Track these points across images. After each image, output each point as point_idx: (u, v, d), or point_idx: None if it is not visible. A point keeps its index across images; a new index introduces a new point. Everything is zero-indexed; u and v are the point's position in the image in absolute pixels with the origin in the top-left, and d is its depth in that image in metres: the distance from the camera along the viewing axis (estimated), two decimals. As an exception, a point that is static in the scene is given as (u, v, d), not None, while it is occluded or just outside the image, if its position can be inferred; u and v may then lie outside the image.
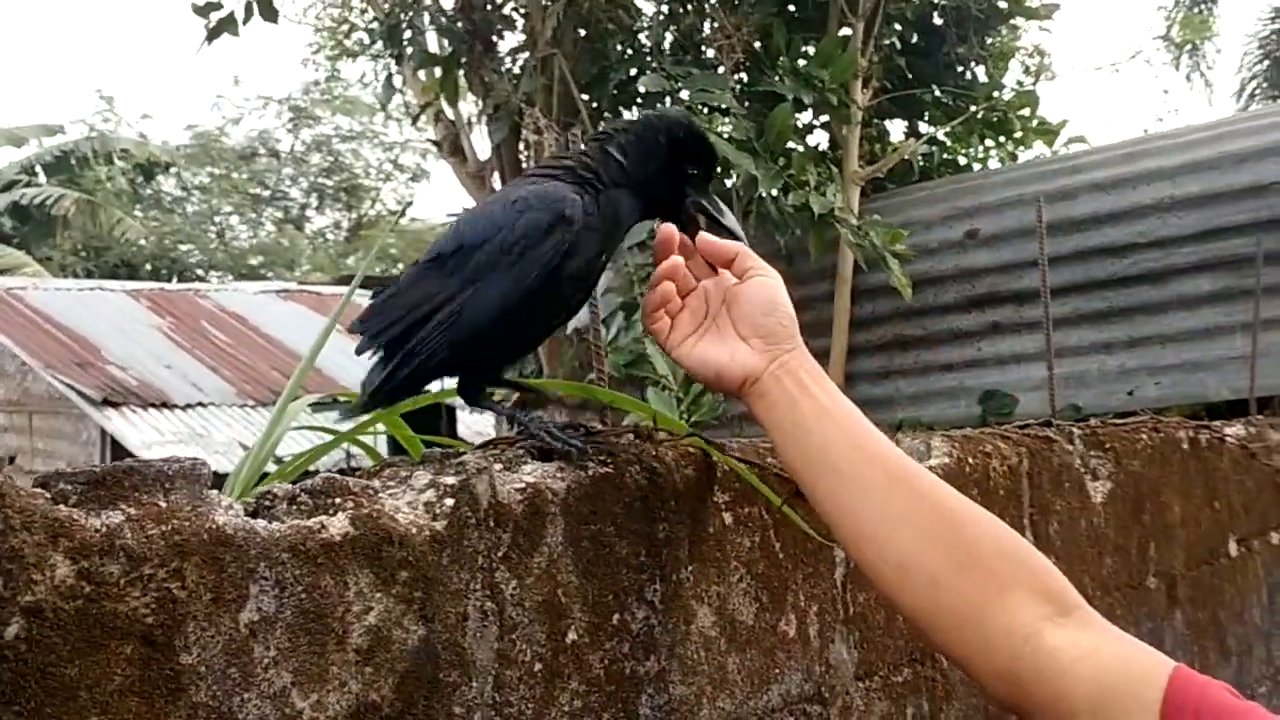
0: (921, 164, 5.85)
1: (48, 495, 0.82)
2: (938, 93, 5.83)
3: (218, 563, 0.87)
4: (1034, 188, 4.92)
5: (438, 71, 5.95)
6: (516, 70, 5.55)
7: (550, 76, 4.87)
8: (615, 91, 5.06)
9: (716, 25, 4.94)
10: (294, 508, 0.97)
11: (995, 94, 5.63)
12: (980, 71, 5.99)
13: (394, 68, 5.90)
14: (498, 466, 1.13)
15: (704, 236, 1.21)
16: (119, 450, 11.17)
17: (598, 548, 1.18)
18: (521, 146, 5.07)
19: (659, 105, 4.75)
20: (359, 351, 1.29)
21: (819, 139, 5.52)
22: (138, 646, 0.81)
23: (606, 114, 5.43)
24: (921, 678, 1.66)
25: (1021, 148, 6.28)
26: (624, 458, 1.24)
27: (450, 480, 1.07)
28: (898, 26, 5.73)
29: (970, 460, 1.84)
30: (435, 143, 6.55)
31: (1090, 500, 2.20)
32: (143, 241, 21.08)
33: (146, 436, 10.96)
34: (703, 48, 5.21)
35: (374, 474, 1.11)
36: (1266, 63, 18.65)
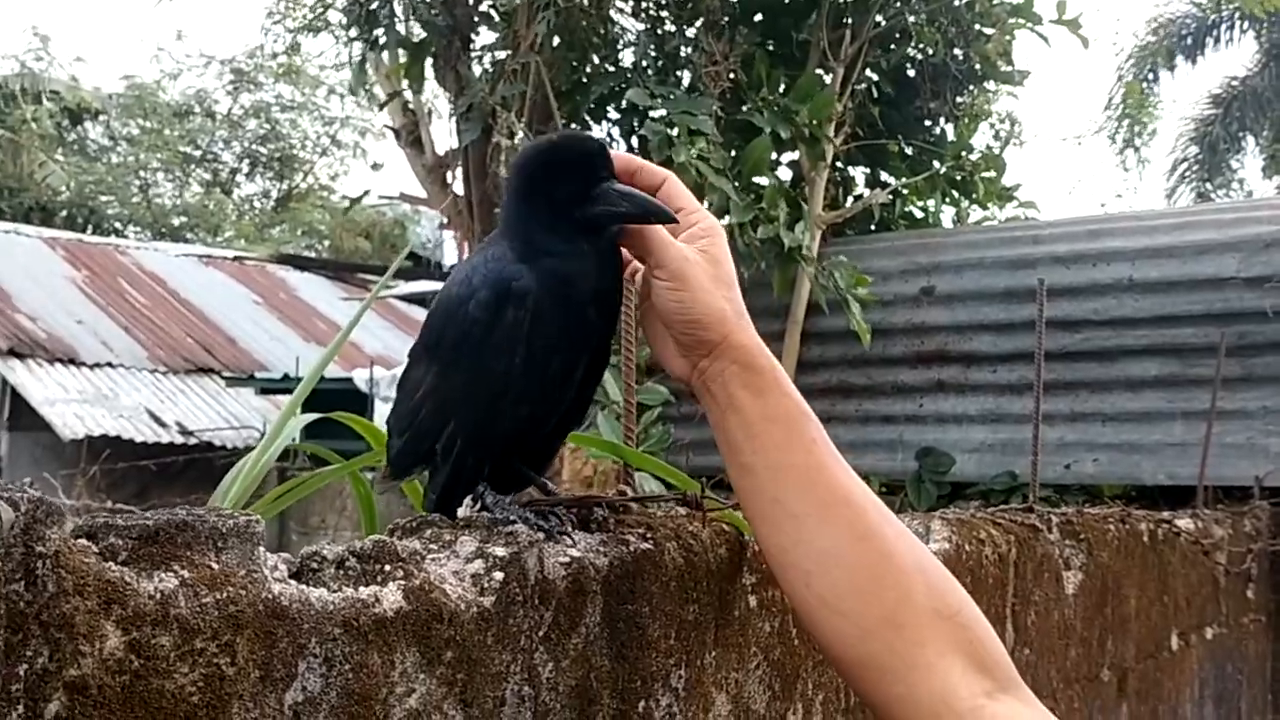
0: (881, 213, 5.88)
1: (95, 549, 0.74)
2: (904, 145, 5.86)
3: (270, 637, 0.79)
4: (995, 252, 4.97)
5: (402, 56, 5.83)
6: (489, 68, 5.46)
7: (527, 81, 4.79)
8: (593, 105, 5.00)
9: (700, 50, 4.91)
10: (342, 572, 0.90)
11: (964, 153, 5.68)
12: (949, 129, 6.05)
13: (367, 52, 5.77)
14: (540, 536, 1.06)
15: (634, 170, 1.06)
16: (18, 402, 10.76)
17: (632, 629, 1.12)
18: (490, 150, 4.98)
19: (636, 121, 4.69)
20: (395, 478, 1.18)
21: (785, 178, 5.51)
22: (181, 729, 0.73)
23: (577, 126, 5.38)
24: (906, 770, 1.62)
25: (977, 207, 6.35)
26: (663, 533, 1.18)
27: (500, 552, 1.00)
28: (874, 75, 5.76)
29: (967, 547, 1.80)
30: (394, 131, 6.42)
31: (1064, 591, 2.19)
32: (63, 188, 20.41)
33: (50, 392, 10.57)
34: (682, 71, 5.17)
35: (415, 533, 1.04)
36: (1197, 148, 19.21)
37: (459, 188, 5.71)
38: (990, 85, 6.14)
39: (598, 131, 5.42)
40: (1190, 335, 4.40)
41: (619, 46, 5.26)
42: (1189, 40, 18.55)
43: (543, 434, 1.15)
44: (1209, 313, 4.37)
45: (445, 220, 6.26)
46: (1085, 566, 2.29)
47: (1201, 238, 4.47)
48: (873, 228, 5.97)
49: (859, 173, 6.22)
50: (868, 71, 5.73)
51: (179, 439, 10.82)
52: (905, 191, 5.89)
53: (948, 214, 6.43)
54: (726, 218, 4.68)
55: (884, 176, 6.04)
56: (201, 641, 0.75)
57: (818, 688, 1.41)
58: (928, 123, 6.03)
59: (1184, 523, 3.04)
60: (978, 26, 5.67)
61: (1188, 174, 18.98)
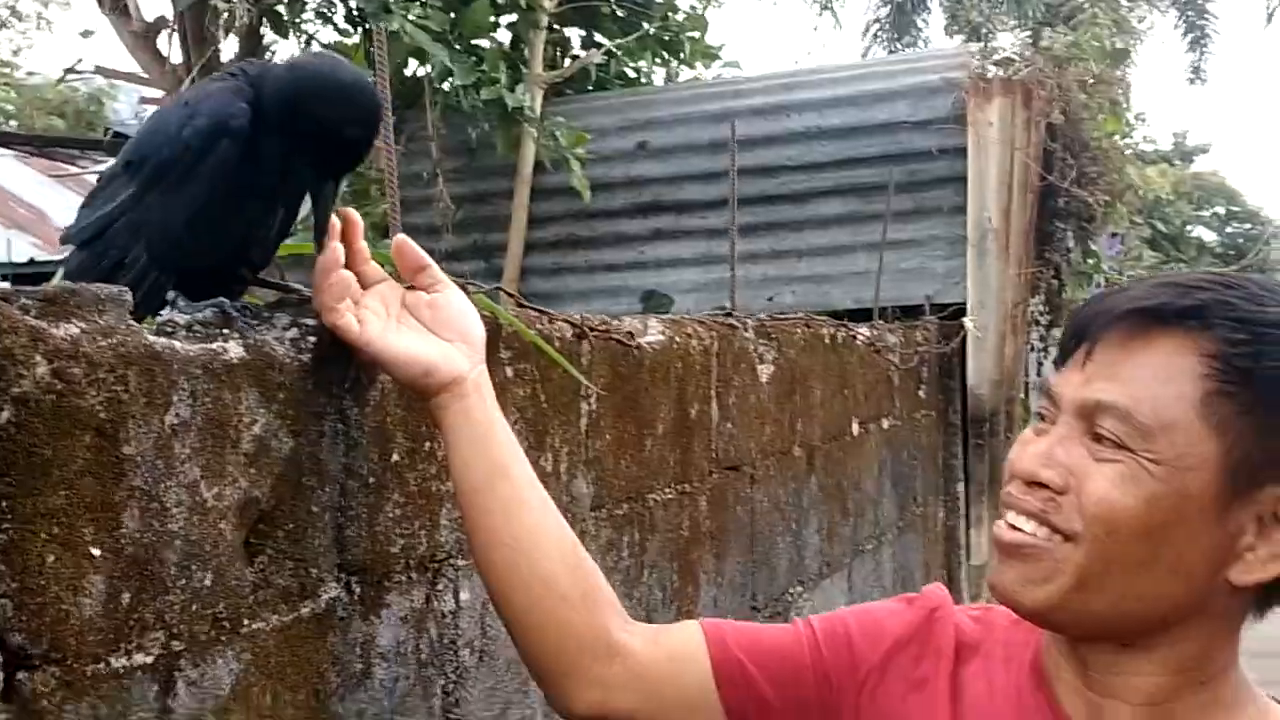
0: (597, 74, 6.18)
1: (14, 307, 0.97)
2: (615, 7, 6.16)
3: (150, 374, 1.04)
4: (701, 107, 5.38)
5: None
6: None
7: (242, -57, 4.76)
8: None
9: (412, -87, 4.99)
10: (191, 334, 1.15)
11: (669, 14, 6.04)
12: (656, -11, 6.38)
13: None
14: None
15: (401, 239, 1.23)
16: None
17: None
18: (209, 15, 4.92)
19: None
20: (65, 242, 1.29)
21: (505, 40, 5.72)
22: (94, 437, 0.98)
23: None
24: (634, 512, 2.00)
25: (685, 66, 6.75)
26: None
27: (311, 322, 1.27)
28: (583, -63, 5.99)
29: (677, 339, 2.18)
30: (95, -3, 6.15)
31: (759, 380, 2.62)
32: None
33: None
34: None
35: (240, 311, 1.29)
36: (886, 8, 20.39)
37: (176, 57, 5.59)
38: (692, -54, 6.49)
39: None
40: (869, 175, 4.97)
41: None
42: (879, -97, 19.50)
43: (239, 259, 1.29)
44: (884, 154, 4.94)
45: (164, 93, 6.10)
46: (776, 360, 2.73)
47: (877, 87, 5.02)
48: (590, 88, 6.28)
49: (575, 34, 6.49)
50: (577, -67, 5.96)
51: None
52: (618, 52, 6.21)
53: (659, 74, 6.82)
54: (449, 81, 4.87)
55: (598, 38, 6.33)
56: (103, 373, 0.99)
57: (563, 442, 1.76)
58: (636, -16, 6.33)
59: (862, 331, 3.57)
60: (674, -114, 5.97)
61: (879, 34, 20.12)
